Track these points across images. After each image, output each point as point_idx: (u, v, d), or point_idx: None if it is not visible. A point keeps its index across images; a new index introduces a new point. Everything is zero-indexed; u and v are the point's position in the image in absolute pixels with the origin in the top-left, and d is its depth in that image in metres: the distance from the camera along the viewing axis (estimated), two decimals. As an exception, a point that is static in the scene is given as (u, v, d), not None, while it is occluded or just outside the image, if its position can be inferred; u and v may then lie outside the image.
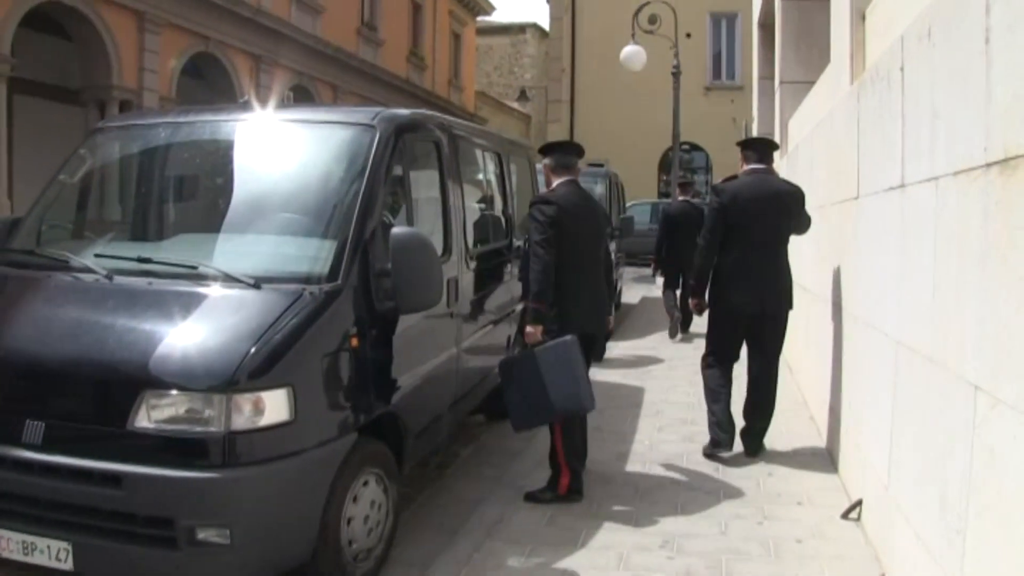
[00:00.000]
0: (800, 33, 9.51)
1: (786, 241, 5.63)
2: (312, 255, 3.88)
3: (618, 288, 12.30)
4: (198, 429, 3.23)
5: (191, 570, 3.26)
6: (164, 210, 4.86)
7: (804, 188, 5.77)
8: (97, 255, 4.06)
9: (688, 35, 26.25)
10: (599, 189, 11.59)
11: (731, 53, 31.39)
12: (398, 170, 4.38)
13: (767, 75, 12.18)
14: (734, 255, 5.50)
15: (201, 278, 3.75)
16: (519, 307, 5.95)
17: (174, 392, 3.25)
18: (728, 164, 16.72)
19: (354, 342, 3.76)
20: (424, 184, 4.92)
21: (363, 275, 3.86)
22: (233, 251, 4.01)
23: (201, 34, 16.38)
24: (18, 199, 12.16)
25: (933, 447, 3.05)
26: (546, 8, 32.67)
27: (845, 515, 4.45)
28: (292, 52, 19.10)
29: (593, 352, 5.17)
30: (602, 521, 4.48)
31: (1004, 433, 2.37)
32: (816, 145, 6.65)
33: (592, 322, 5.02)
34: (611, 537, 4.28)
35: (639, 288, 16.58)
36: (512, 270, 6.26)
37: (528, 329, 4.75)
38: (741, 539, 4.26)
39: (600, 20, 30.29)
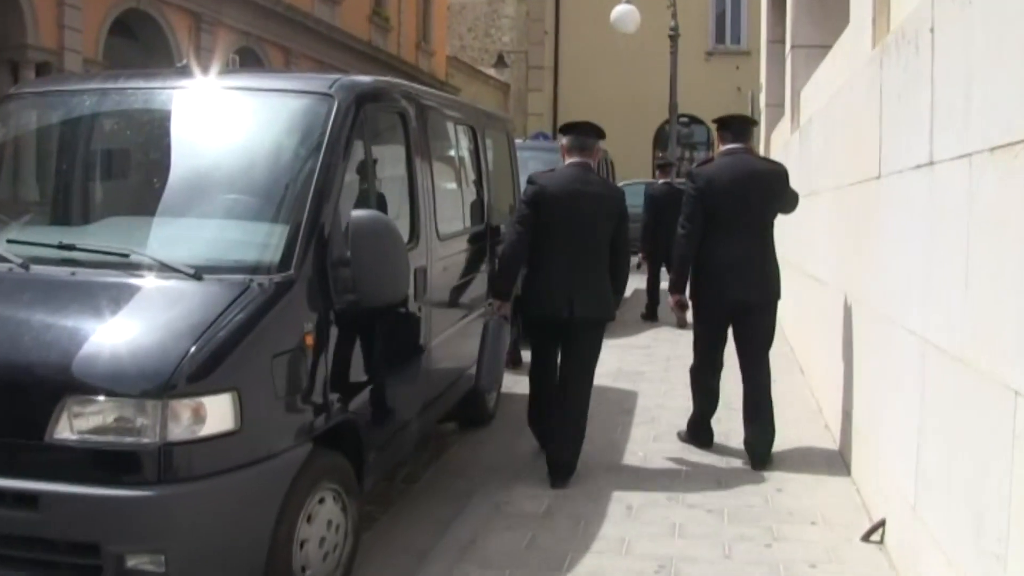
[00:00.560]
0: (816, -10, 9.56)
1: (771, 225, 5.82)
2: (261, 241, 3.87)
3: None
4: (128, 440, 3.19)
5: (120, 603, 3.22)
6: (90, 190, 4.83)
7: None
8: (10, 240, 4.01)
9: (688, -8, 26.33)
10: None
11: (736, 13, 31.52)
12: (359, 145, 4.37)
13: (777, 38, 12.23)
14: (714, 243, 5.68)
15: (133, 268, 3.72)
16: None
17: (101, 398, 3.21)
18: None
19: (308, 340, 3.74)
20: (388, 161, 4.92)
21: (319, 264, 3.85)
22: (170, 237, 3.99)
23: (133, -13, 16.20)
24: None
25: (967, 461, 3.05)
26: (527, -38, 32.73)
27: (866, 537, 4.47)
28: (237, 10, 18.91)
29: (578, 341, 5.38)
30: (589, 543, 4.47)
31: (1047, 445, 2.37)
32: (832, 118, 6.67)
33: (561, 306, 5.26)
34: (599, 562, 4.27)
35: (632, 279, 16.57)
36: (489, 257, 6.25)
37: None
38: (747, 564, 4.26)
39: (588, -25, 30.35)
